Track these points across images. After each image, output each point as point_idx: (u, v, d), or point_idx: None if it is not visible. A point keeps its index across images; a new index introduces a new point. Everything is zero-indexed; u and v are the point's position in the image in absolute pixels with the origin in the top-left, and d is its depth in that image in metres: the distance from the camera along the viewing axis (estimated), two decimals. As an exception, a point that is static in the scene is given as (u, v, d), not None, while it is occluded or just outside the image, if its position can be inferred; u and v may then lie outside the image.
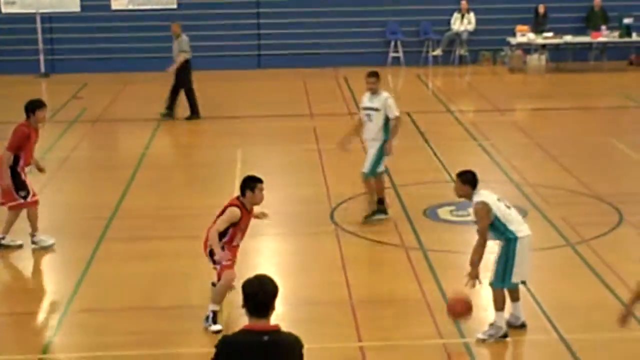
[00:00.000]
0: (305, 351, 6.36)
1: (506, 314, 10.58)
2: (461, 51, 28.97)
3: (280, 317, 6.60)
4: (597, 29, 28.17)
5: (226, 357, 6.27)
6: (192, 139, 20.78)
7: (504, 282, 10.28)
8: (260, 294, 6.29)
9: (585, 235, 13.55)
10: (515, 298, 10.61)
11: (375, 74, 14.29)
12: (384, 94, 14.33)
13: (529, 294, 11.30)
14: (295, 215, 14.94)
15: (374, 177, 14.36)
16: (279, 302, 6.37)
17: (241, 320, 6.37)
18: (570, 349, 10.10)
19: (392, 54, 28.85)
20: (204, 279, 11.88)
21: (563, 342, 10.28)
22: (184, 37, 21.98)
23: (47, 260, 13.47)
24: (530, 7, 28.90)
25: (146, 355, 10.29)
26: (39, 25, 27.55)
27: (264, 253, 13.21)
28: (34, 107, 13.43)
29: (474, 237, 10.47)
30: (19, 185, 13.30)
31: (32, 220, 13.49)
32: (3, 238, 13.51)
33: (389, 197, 15.33)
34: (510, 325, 10.55)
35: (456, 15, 28.86)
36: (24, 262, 13.35)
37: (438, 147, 18.68)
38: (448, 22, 28.88)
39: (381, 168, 14.39)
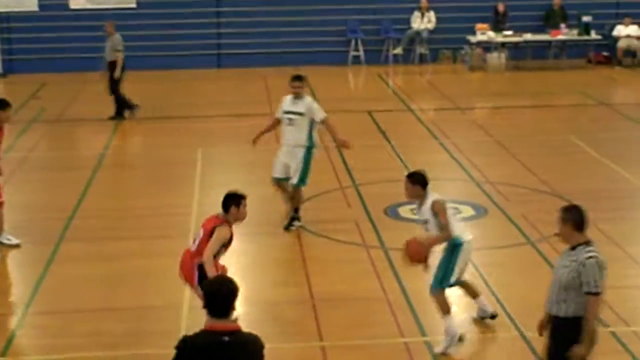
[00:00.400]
0: (266, 351, 6.33)
1: (474, 313, 10.64)
2: (421, 50, 29.04)
3: (241, 317, 6.56)
4: (557, 27, 28.35)
5: (187, 358, 6.22)
6: (151, 139, 20.65)
7: (442, 284, 10.22)
8: (220, 294, 6.26)
9: (546, 233, 13.59)
10: (474, 294, 10.63)
11: (300, 78, 13.93)
12: (308, 98, 14.05)
13: (489, 292, 11.33)
14: (256, 215, 14.87)
15: (304, 186, 14.06)
16: (239, 302, 6.34)
17: (201, 320, 6.31)
18: (531, 347, 10.12)
19: (352, 53, 28.85)
20: (163, 279, 11.82)
21: (524, 339, 10.31)
22: (117, 36, 21.85)
23: (5, 262, 13.33)
24: (490, 5, 29.02)
25: (105, 357, 10.22)
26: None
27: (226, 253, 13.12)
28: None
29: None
30: None
31: None
32: None
33: (350, 195, 15.34)
34: (482, 318, 10.62)
35: (416, 13, 28.91)
36: (-18, 263, 13.22)
37: (399, 146, 18.70)
38: (408, 21, 28.94)
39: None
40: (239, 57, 28.58)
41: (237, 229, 13.55)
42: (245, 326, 6.33)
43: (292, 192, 14.05)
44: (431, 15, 28.85)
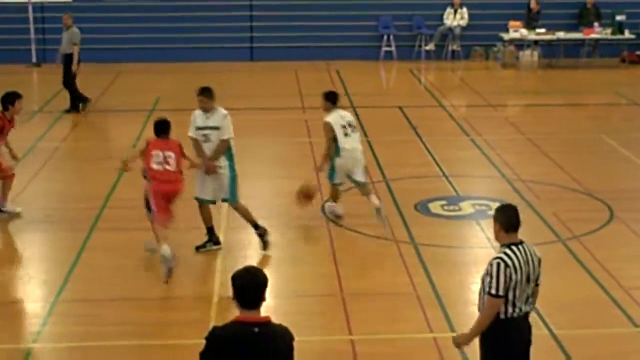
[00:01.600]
0: (295, 343, 6.35)
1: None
2: (454, 46, 28.96)
3: (271, 309, 6.59)
4: (590, 25, 28.19)
5: (216, 349, 6.24)
6: (183, 130, 20.63)
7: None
8: (250, 285, 6.27)
9: (576, 231, 13.56)
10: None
11: (205, 91, 12.82)
12: (222, 111, 12.88)
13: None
14: (286, 208, 14.92)
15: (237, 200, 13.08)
16: (269, 295, 6.35)
17: (231, 312, 6.34)
18: (561, 345, 10.11)
19: (384, 48, 28.81)
20: (192, 269, 11.88)
21: (554, 338, 10.29)
22: (75, 29, 21.86)
23: (38, 249, 13.45)
24: (523, 3, 28.87)
25: (134, 346, 10.28)
26: (30, 14, 27.47)
27: (254, 245, 13.17)
28: (12, 99, 14.21)
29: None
30: None
31: (4, 192, 14.36)
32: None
33: (380, 190, 15.33)
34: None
35: (449, 10, 28.84)
36: (15, 250, 13.33)
37: (430, 142, 18.67)
38: (441, 17, 28.87)
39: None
40: (272, 51, 28.60)
41: (267, 221, 13.65)
42: (275, 318, 6.34)
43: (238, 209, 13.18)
44: (464, 11, 28.76)
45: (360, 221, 14.03)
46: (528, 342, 7.83)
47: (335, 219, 14.17)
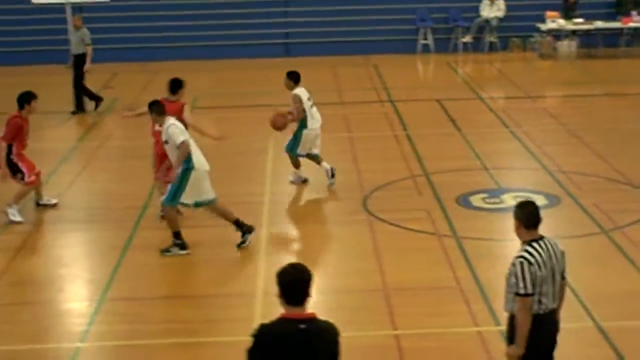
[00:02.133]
0: (340, 339, 6.37)
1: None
2: (491, 38, 28.86)
3: (315, 305, 6.60)
4: (628, 14, 27.99)
5: (263, 346, 6.27)
6: (223, 127, 20.68)
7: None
8: (296, 282, 6.30)
9: (619, 222, 13.49)
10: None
11: (150, 106, 13.01)
12: (167, 122, 12.70)
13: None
14: (328, 203, 14.96)
15: (170, 205, 12.81)
16: (313, 291, 6.39)
17: (277, 309, 6.38)
18: (607, 337, 10.07)
19: (421, 41, 28.78)
20: (236, 267, 11.91)
21: (599, 329, 10.25)
22: (86, 30, 21.99)
23: (82, 248, 13.58)
24: (561, -8, 28.75)
25: (180, 344, 10.36)
26: (69, 15, 27.60)
27: (297, 241, 13.21)
28: (29, 98, 14.57)
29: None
30: (15, 170, 14.42)
31: (38, 190, 14.88)
32: (10, 206, 14.38)
33: (421, 184, 15.33)
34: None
35: (485, 1, 28.74)
36: (60, 250, 13.45)
37: (469, 135, 18.63)
38: (477, 9, 28.78)
39: (184, 199, 12.76)
40: (308, 46, 28.62)
41: (308, 217, 13.68)
42: (320, 314, 6.37)
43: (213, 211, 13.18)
44: (500, 3, 28.65)
45: (402, 216, 14.03)
46: (555, 340, 7.80)
47: (303, 183, 15.66)
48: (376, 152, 17.57)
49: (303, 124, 15.40)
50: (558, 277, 7.70)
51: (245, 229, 12.91)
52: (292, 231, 13.22)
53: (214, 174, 13.00)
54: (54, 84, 23.46)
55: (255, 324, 6.44)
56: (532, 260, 7.51)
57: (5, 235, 13.83)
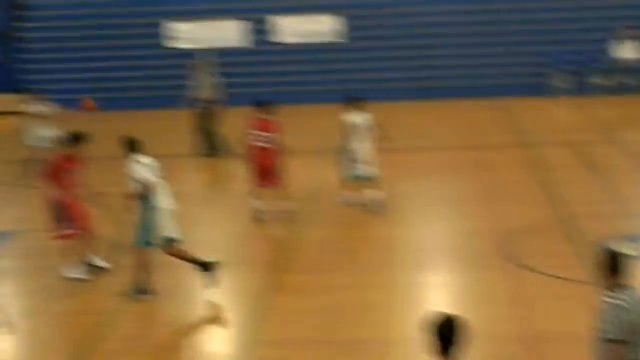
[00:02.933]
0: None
1: None
2: (627, 79, 28.09)
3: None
4: None
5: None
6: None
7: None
8: (453, 332, 6.35)
9: None
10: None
11: (125, 143, 12.85)
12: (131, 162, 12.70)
13: None
14: (462, 249, 14.53)
15: (141, 247, 12.71)
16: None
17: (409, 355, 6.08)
18: None
19: (553, 84, 28.19)
20: (379, 312, 11.63)
21: None
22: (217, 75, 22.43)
23: (228, 291, 13.31)
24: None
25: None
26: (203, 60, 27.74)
27: (434, 287, 12.83)
28: (79, 139, 13.89)
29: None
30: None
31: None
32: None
33: (564, 230, 14.77)
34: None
35: (619, 42, 28.01)
36: (203, 294, 13.23)
37: (610, 179, 17.99)
38: (610, 51, 28.06)
39: (149, 237, 12.64)
40: (439, 89, 28.32)
41: (443, 262, 13.24)
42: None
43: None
44: (637, 44, 27.91)
45: (545, 261, 13.52)
46: None
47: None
48: (509, 197, 17.18)
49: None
50: None
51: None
52: (427, 276, 12.84)
53: (354, 218, 12.64)
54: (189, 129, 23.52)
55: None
56: (615, 304, 7.12)
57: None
